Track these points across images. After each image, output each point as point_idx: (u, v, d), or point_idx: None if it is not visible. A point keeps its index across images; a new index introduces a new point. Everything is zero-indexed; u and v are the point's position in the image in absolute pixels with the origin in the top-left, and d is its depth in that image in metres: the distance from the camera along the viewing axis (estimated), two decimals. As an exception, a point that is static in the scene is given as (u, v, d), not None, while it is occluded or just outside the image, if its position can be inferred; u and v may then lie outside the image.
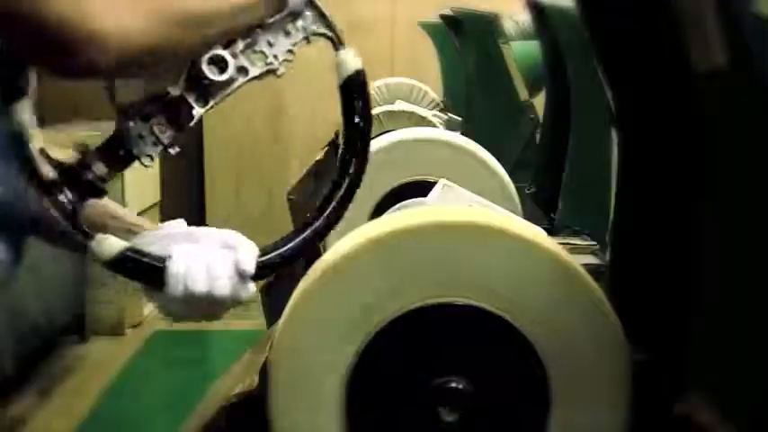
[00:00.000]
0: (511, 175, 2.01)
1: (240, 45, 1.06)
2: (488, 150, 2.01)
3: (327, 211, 1.09)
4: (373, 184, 1.83)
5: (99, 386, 3.75)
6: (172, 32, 0.96)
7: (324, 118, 4.76)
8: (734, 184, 0.95)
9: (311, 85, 4.61)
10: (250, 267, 1.02)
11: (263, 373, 1.14)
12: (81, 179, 1.02)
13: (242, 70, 1.07)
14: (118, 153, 1.03)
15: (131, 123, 1.03)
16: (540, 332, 1.07)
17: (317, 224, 1.08)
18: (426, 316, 1.08)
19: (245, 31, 1.06)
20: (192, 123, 1.05)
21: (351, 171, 1.10)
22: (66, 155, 1.03)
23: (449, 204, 1.44)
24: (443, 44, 4.33)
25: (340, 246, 1.13)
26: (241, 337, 1.84)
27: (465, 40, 3.53)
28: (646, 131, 1.14)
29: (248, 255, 1.03)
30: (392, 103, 3.21)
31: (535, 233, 1.14)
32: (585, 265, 1.12)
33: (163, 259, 1.02)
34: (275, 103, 5.34)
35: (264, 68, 1.08)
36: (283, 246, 1.07)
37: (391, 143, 1.96)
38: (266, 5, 1.06)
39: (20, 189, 1.02)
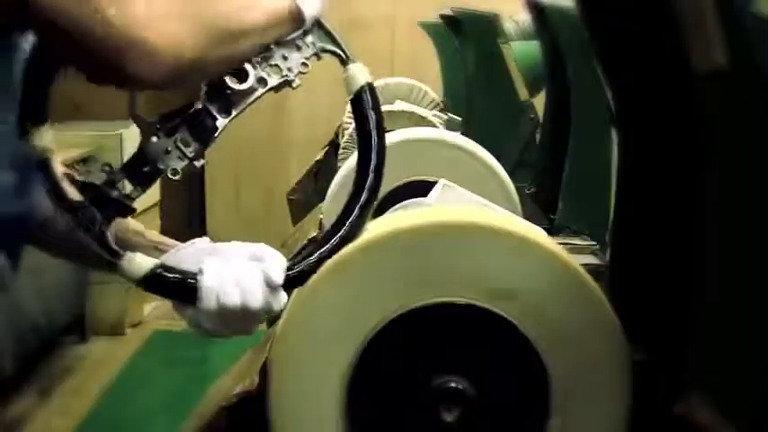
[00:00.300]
0: (511, 175, 2.01)
1: (257, 58, 1.08)
2: (488, 150, 2.00)
3: (350, 220, 1.09)
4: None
5: (99, 386, 3.75)
6: (217, 46, 0.97)
7: (324, 118, 4.76)
8: (734, 184, 0.95)
9: (311, 85, 4.60)
10: (279, 278, 1.02)
11: (263, 373, 1.14)
12: (108, 198, 1.02)
13: (261, 81, 1.09)
14: (143, 170, 1.03)
15: (155, 139, 1.03)
16: (541, 332, 1.08)
17: (341, 232, 1.08)
18: (426, 316, 1.08)
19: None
20: (216, 134, 1.06)
21: (369, 180, 1.10)
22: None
23: (449, 204, 1.44)
24: (443, 44, 4.33)
25: (340, 246, 1.12)
26: (241, 337, 1.84)
27: (465, 40, 3.52)
28: (646, 131, 1.14)
29: (277, 265, 1.03)
30: (392, 103, 3.21)
31: (535, 233, 1.14)
32: (585, 265, 1.12)
33: (194, 275, 1.02)
34: (275, 104, 5.35)
35: (281, 79, 1.09)
36: (309, 255, 1.07)
37: (391, 143, 1.94)
38: (290, 23, 1.08)
39: (21, 199, 1.02)
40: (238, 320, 1.02)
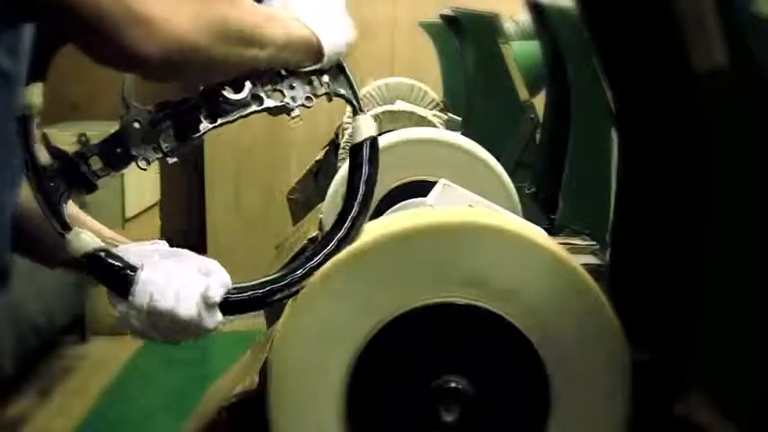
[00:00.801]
0: (511, 175, 2.01)
1: (263, 78, 1.07)
2: (488, 150, 2.00)
3: (312, 262, 1.08)
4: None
5: (99, 386, 3.75)
6: (224, 44, 0.96)
7: (324, 118, 4.76)
8: (734, 183, 0.95)
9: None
10: (216, 296, 1.00)
11: (263, 373, 1.14)
12: (75, 170, 1.01)
13: (257, 98, 1.08)
14: (116, 151, 1.03)
15: (137, 125, 1.02)
16: (541, 332, 1.07)
17: (297, 273, 1.07)
18: (426, 316, 1.08)
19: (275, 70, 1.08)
20: (195, 136, 1.05)
21: (341, 233, 1.10)
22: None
23: (449, 204, 1.44)
24: (443, 44, 4.33)
25: (340, 246, 1.12)
26: (241, 337, 1.84)
27: (465, 40, 3.52)
28: (646, 131, 1.14)
29: (219, 283, 1.01)
30: (392, 103, 3.21)
31: (535, 233, 1.14)
32: (585, 265, 1.12)
33: (135, 268, 1.00)
34: (275, 103, 5.33)
35: (280, 104, 1.09)
36: (260, 288, 1.05)
37: (391, 143, 1.95)
38: (307, 53, 1.07)
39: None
40: (167, 326, 1.00)
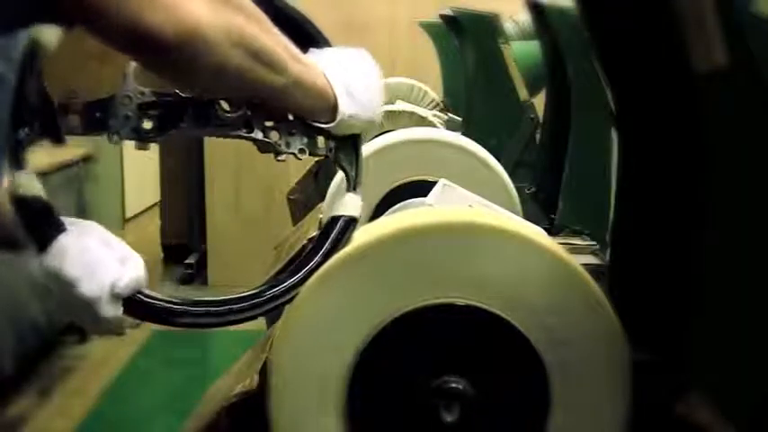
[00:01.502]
0: (511, 175, 2.01)
1: (264, 114, 1.06)
2: (488, 150, 2.00)
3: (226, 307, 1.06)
4: (373, 184, 1.83)
5: (99, 386, 3.75)
6: (233, 45, 0.94)
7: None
8: (734, 183, 0.95)
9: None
10: (123, 288, 0.98)
11: (263, 373, 1.14)
12: (52, 118, 1.00)
13: (248, 125, 1.06)
14: (95, 115, 1.02)
15: (127, 101, 1.02)
16: (540, 332, 1.07)
17: (235, 306, 1.06)
18: (426, 316, 1.08)
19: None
20: (171, 132, 1.03)
21: (276, 291, 1.08)
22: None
23: (449, 204, 1.44)
24: (443, 44, 4.33)
25: (340, 246, 1.12)
26: (241, 337, 1.84)
27: (465, 40, 3.52)
28: (646, 131, 1.14)
29: (130, 278, 0.99)
30: (392, 103, 3.21)
31: (535, 233, 1.14)
32: (585, 265, 1.12)
33: (61, 229, 0.99)
34: (275, 103, 5.33)
35: (268, 140, 1.08)
36: (168, 303, 1.03)
37: (391, 143, 1.96)
38: (321, 107, 1.06)
39: None
40: (65, 294, 0.98)
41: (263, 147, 1.09)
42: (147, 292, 1.01)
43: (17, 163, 0.99)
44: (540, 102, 3.04)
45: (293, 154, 1.10)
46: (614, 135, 1.19)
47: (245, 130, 1.06)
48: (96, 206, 4.03)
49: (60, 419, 3.44)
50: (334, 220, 1.12)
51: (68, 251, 0.97)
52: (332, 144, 1.10)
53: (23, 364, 3.49)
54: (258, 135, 1.07)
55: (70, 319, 1.01)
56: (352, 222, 1.12)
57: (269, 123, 1.08)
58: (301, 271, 1.08)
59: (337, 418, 1.09)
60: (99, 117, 1.01)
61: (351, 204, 1.13)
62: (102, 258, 0.98)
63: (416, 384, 1.08)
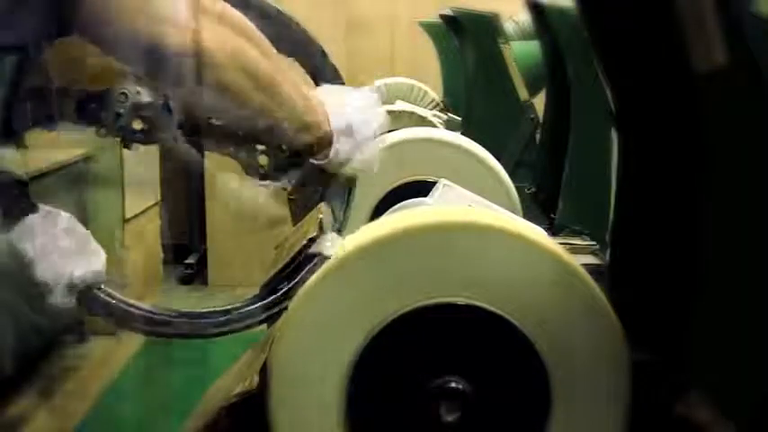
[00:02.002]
0: (511, 175, 2.01)
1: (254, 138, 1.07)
2: (488, 150, 2.00)
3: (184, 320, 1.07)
4: (373, 184, 1.83)
5: (99, 386, 3.75)
6: (235, 67, 0.96)
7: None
8: (734, 184, 0.96)
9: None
10: (80, 280, 1.00)
11: (263, 373, 1.14)
12: (47, 101, 1.01)
13: (238, 144, 1.07)
14: (89, 105, 1.02)
15: (123, 97, 1.02)
16: (540, 332, 1.08)
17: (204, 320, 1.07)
18: (426, 316, 1.08)
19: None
20: (160, 136, 1.04)
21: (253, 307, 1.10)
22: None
23: (449, 204, 1.44)
24: (443, 44, 4.33)
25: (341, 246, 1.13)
26: (241, 337, 1.84)
27: (465, 40, 3.52)
28: (646, 131, 1.14)
29: (89, 272, 1.00)
30: (392, 103, 3.21)
31: (535, 233, 1.14)
32: (585, 265, 1.12)
33: (33, 210, 1.00)
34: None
35: (254, 164, 1.09)
36: (127, 305, 1.05)
37: (391, 143, 1.95)
38: (315, 141, 1.07)
39: None
40: (23, 279, 1.00)
41: (249, 169, 1.09)
42: (107, 290, 1.02)
43: (9, 132, 0.99)
44: (540, 102, 3.04)
45: (278, 183, 1.10)
46: (614, 135, 1.19)
47: (234, 150, 1.07)
48: (96, 206, 4.03)
49: (60, 419, 3.44)
50: (313, 256, 1.13)
51: (32, 232, 0.99)
52: (321, 189, 1.11)
53: (23, 364, 3.49)
54: (243, 156, 1.08)
55: (24, 302, 1.05)
56: (322, 261, 1.14)
57: (260, 147, 1.08)
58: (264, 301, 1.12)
59: (337, 417, 1.09)
60: (92, 108, 1.02)
61: (332, 245, 1.14)
62: (62, 247, 0.99)
63: (416, 384, 1.08)
